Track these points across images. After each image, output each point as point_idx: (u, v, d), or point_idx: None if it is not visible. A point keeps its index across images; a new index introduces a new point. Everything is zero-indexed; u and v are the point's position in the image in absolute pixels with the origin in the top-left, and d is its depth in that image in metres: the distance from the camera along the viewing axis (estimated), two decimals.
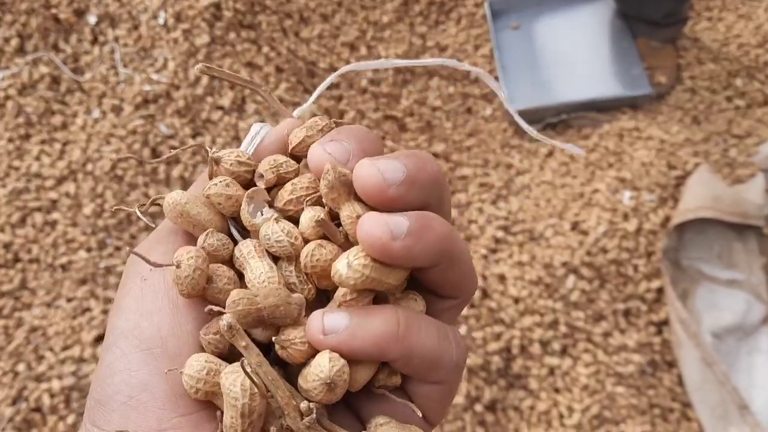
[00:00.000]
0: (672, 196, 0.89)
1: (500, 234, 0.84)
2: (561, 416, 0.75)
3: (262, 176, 0.25)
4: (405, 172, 0.23)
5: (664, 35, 1.11)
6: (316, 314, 0.24)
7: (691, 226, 0.88)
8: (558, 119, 1.06)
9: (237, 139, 0.80)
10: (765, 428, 0.79)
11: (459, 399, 0.74)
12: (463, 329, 0.75)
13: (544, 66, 1.12)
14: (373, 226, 0.23)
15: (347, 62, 0.94)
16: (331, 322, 0.23)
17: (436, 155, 0.95)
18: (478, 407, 0.75)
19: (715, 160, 0.98)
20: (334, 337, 0.23)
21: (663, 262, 0.83)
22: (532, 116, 1.06)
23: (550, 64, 1.11)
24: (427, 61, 0.27)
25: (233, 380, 0.23)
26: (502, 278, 0.80)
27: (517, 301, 0.78)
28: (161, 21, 0.84)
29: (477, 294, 0.77)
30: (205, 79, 0.81)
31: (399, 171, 0.23)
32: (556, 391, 0.77)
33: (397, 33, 1.07)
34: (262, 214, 0.25)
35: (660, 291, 0.83)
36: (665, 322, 0.82)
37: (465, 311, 0.75)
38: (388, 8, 1.12)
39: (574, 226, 0.86)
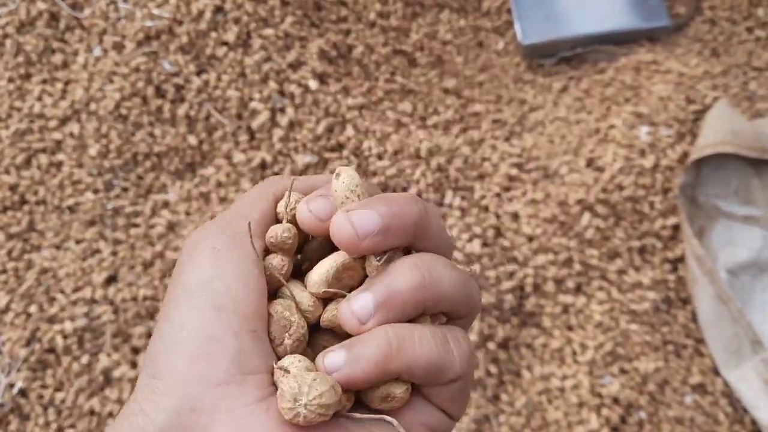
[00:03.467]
0: (690, 131, 0.87)
1: (514, 171, 0.82)
2: (574, 353, 0.75)
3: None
4: (380, 222, 0.25)
5: None
6: (318, 358, 0.26)
7: (709, 161, 0.86)
8: (573, 53, 1.03)
9: (243, 76, 0.78)
10: None
11: (472, 337, 0.74)
12: (476, 267, 0.74)
13: None
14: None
15: None
16: (330, 362, 0.25)
17: (446, 91, 0.93)
18: (491, 345, 0.75)
19: (735, 93, 0.95)
20: (337, 375, 0.25)
21: (680, 199, 0.81)
22: (546, 50, 1.02)
23: None
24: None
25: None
26: (515, 216, 0.78)
27: (530, 239, 0.77)
28: None
29: (491, 232, 0.76)
30: (208, 14, 0.78)
31: (373, 223, 0.25)
32: (570, 328, 0.76)
33: None
34: None
35: (676, 228, 0.82)
36: (680, 260, 0.81)
37: (478, 250, 0.74)
38: None
39: (590, 162, 0.84)
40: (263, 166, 0.77)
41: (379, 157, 0.76)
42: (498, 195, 0.80)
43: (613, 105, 0.92)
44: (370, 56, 0.87)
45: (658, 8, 1.04)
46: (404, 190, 0.76)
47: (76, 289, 0.77)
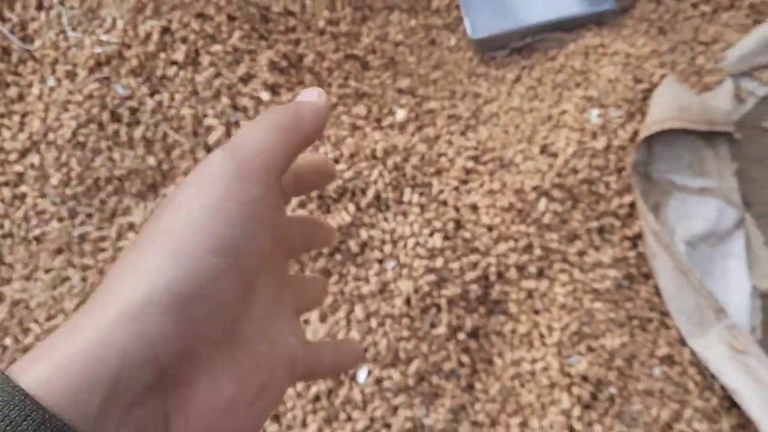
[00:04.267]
0: (639, 110, 0.89)
1: (470, 164, 0.84)
2: (542, 336, 0.77)
3: None
4: None
5: None
6: None
7: (660, 138, 0.88)
8: (523, 43, 1.05)
9: (195, 94, 0.79)
10: (740, 328, 0.81)
11: (441, 329, 0.75)
12: (439, 261, 0.76)
13: None
14: None
15: (302, 5, 0.92)
16: None
17: (401, 91, 0.94)
18: (461, 336, 0.76)
19: (682, 69, 0.97)
20: None
21: (633, 177, 0.83)
22: (497, 43, 1.04)
23: None
24: None
25: None
26: (474, 208, 0.80)
27: (490, 228, 0.79)
28: None
29: (451, 225, 0.78)
30: (155, 35, 0.79)
31: None
32: (536, 312, 0.78)
33: None
34: None
35: (632, 206, 0.84)
36: (639, 236, 0.83)
37: (440, 244, 0.76)
38: None
39: (543, 149, 0.86)
40: None
41: (336, 160, 0.78)
42: (456, 188, 0.81)
43: (565, 91, 0.94)
44: (322, 63, 0.89)
45: None
46: (362, 191, 0.77)
47: (49, 318, 0.78)
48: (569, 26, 1.05)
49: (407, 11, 1.06)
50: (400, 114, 0.87)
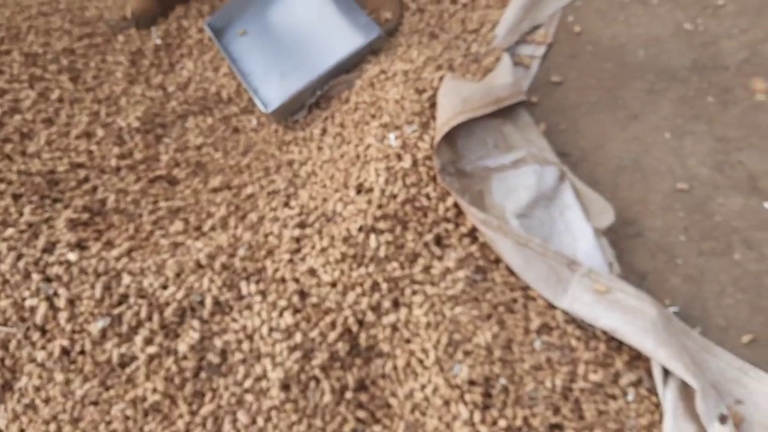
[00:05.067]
0: (431, 117, 0.93)
1: (297, 232, 0.85)
2: (420, 361, 0.78)
3: None
4: None
5: None
6: None
7: (459, 133, 0.93)
8: (316, 97, 1.08)
9: (6, 283, 0.78)
10: (598, 270, 0.84)
11: (327, 398, 0.75)
12: (298, 336, 0.76)
13: (283, 56, 1.13)
14: None
15: (89, 153, 0.92)
16: None
17: (215, 190, 0.96)
18: (349, 395, 0.77)
19: (460, 63, 1.03)
20: None
21: (445, 180, 0.86)
22: (292, 106, 1.07)
23: (288, 51, 1.13)
24: None
25: None
26: (312, 272, 0.81)
27: (334, 284, 0.80)
28: None
29: (296, 298, 0.79)
30: None
31: None
32: (407, 341, 0.79)
33: (133, 96, 1.06)
34: None
35: (457, 205, 0.87)
36: (475, 229, 0.86)
37: (291, 320, 0.77)
38: (117, 77, 1.10)
39: (359, 188, 0.88)
40: (66, 352, 0.77)
41: (164, 287, 0.78)
42: (290, 261, 0.82)
43: (364, 126, 0.98)
44: (126, 198, 0.89)
45: (368, 23, 1.11)
46: (200, 303, 0.78)
47: None
48: (349, 66, 1.09)
49: (200, 112, 1.08)
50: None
